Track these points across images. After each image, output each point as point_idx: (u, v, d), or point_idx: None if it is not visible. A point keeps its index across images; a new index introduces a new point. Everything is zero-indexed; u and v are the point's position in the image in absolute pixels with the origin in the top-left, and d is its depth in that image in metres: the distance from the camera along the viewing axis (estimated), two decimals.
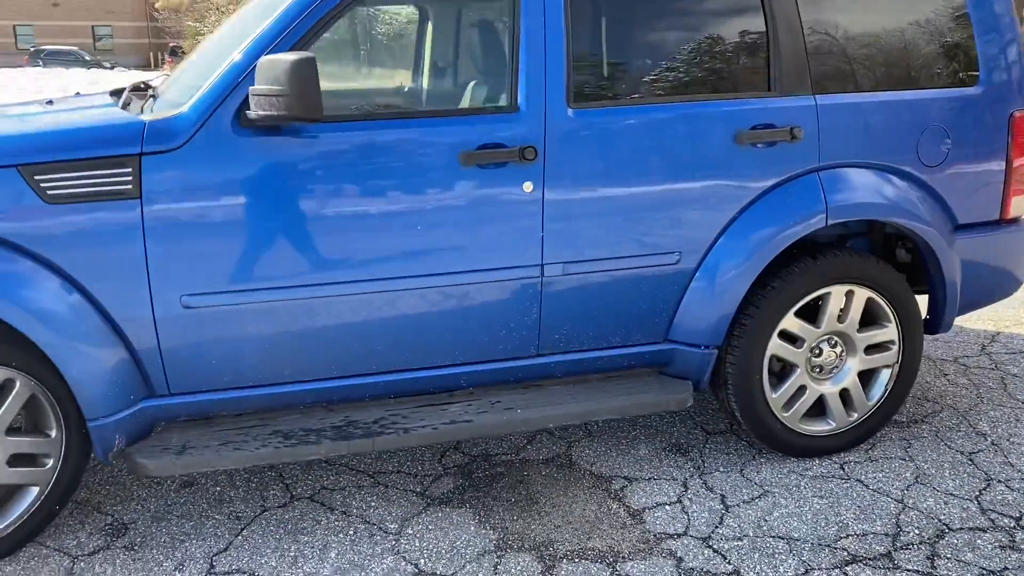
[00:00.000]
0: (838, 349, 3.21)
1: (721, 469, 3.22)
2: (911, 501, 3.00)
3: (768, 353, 3.10)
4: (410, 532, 2.83)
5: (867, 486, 3.09)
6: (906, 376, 3.29)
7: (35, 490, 2.62)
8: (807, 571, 2.63)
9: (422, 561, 2.68)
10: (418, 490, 3.08)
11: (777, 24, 2.96)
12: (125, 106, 2.81)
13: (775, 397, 3.16)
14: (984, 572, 2.62)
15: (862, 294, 3.15)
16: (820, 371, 3.21)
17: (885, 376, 3.29)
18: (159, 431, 2.73)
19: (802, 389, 3.20)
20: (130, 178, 2.46)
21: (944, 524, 2.87)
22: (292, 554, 2.71)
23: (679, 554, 2.72)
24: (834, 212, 3.01)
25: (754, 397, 3.13)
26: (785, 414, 3.19)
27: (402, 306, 2.74)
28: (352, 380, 2.80)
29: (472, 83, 3.03)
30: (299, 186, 2.57)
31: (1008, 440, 3.42)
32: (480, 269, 2.77)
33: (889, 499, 3.01)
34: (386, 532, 2.83)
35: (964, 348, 4.39)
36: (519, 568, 2.64)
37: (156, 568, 2.63)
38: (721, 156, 2.91)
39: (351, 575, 2.61)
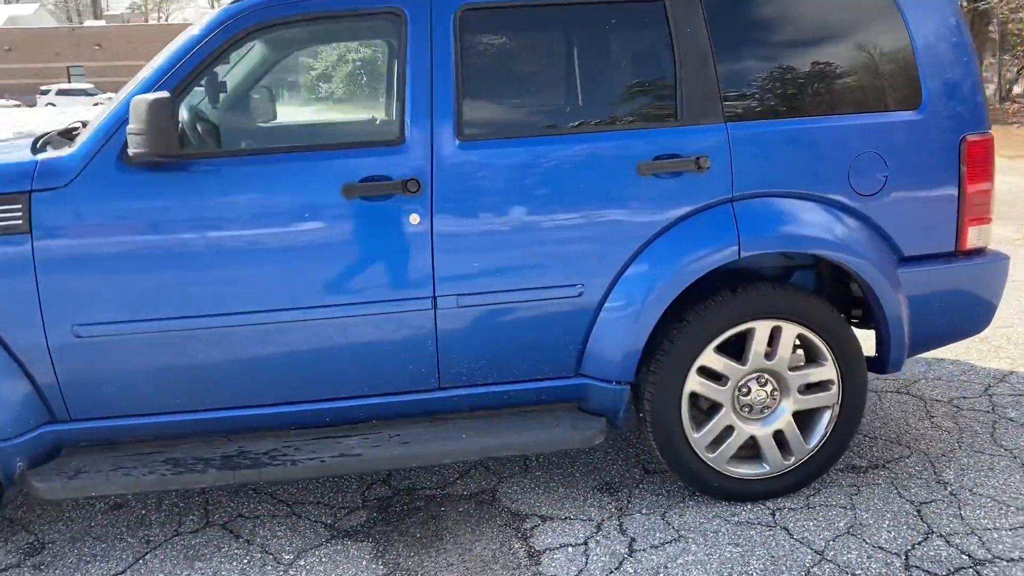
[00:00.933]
0: (769, 388, 3.05)
1: (644, 511, 3.10)
2: (831, 554, 2.80)
3: (687, 390, 2.97)
4: (302, 563, 2.84)
5: (791, 535, 2.91)
6: (849, 418, 3.09)
7: None
8: None
9: None
10: (328, 522, 3.09)
11: (684, 49, 2.87)
12: (40, 147, 2.97)
13: (698, 437, 3.02)
14: None
15: (791, 330, 2.98)
16: (750, 411, 3.05)
17: (826, 418, 3.09)
18: (64, 455, 2.84)
19: (729, 429, 3.04)
20: (20, 214, 2.60)
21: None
22: None
23: None
24: (748, 244, 2.87)
25: (673, 436, 3.00)
26: (710, 455, 3.04)
27: (292, 338, 2.77)
28: (248, 411, 2.85)
29: (363, 116, 3.05)
30: (181, 220, 2.65)
31: (970, 491, 3.15)
32: (369, 301, 2.77)
33: (809, 550, 2.82)
34: (279, 563, 2.85)
35: (966, 388, 4.08)
36: None
37: None
38: (622, 187, 2.83)
39: None
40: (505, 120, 2.90)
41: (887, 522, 2.97)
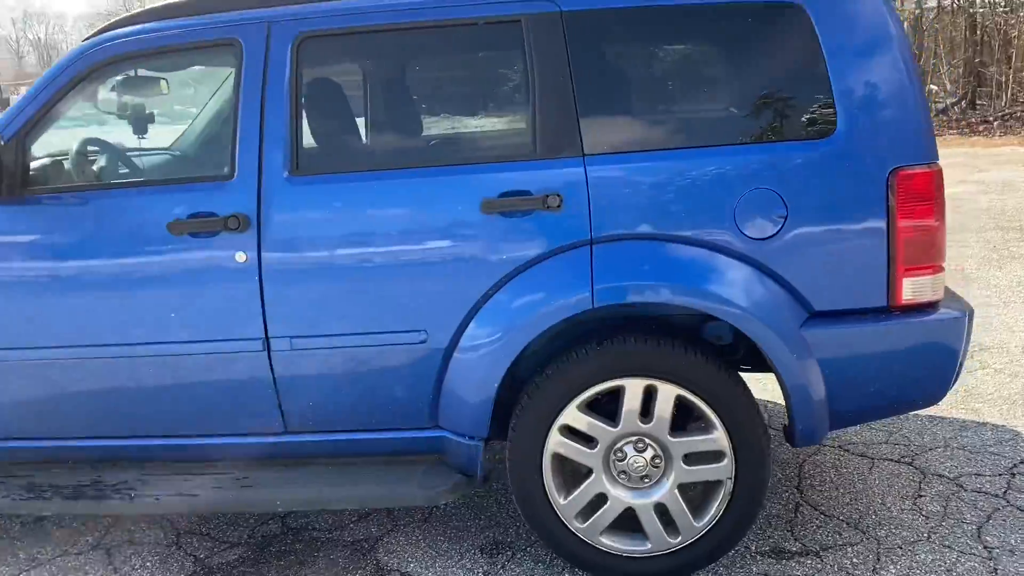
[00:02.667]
0: (649, 455, 2.68)
1: None
2: None
3: (548, 451, 2.67)
4: None
5: None
6: (747, 496, 2.65)
7: None
8: None
9: None
10: (201, 556, 3.07)
11: (540, 75, 2.58)
12: None
13: (564, 504, 2.71)
14: None
15: (668, 391, 2.60)
16: (628, 478, 2.70)
17: (720, 494, 2.67)
18: None
19: (602, 498, 2.71)
20: None
21: None
22: None
23: None
24: (604, 293, 2.53)
25: (535, 501, 2.72)
26: (579, 525, 2.72)
27: (132, 373, 2.77)
28: (104, 442, 2.88)
29: (200, 151, 2.99)
30: (19, 253, 2.72)
31: None
32: (201, 340, 2.71)
33: None
34: None
35: (988, 463, 3.41)
36: None
37: None
38: (464, 227, 2.59)
39: None
40: (342, 153, 2.75)
41: None
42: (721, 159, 2.53)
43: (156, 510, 2.76)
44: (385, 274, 2.62)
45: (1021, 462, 3.40)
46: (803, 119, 2.55)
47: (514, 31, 2.60)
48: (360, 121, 2.80)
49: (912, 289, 2.57)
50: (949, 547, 2.85)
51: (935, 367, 2.64)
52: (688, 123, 2.58)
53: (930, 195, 2.54)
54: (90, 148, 3.05)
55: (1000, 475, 3.31)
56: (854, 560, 2.81)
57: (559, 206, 2.54)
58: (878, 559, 2.81)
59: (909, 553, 2.83)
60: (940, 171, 2.56)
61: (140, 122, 3.34)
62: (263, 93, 2.63)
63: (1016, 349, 4.58)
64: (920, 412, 3.90)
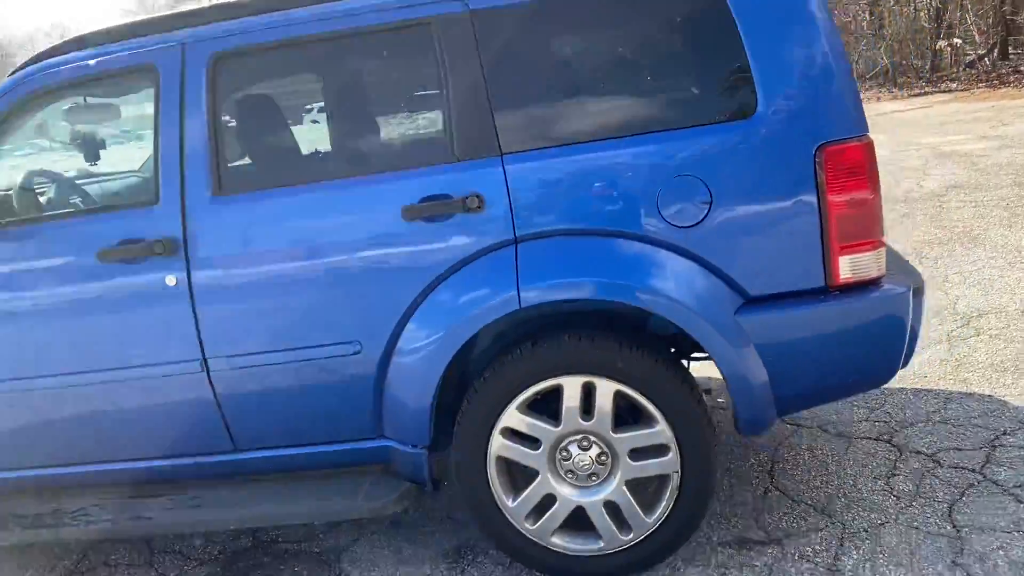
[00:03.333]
0: (594, 452, 2.64)
1: None
2: None
3: (492, 454, 2.65)
4: None
5: None
6: (696, 488, 2.60)
7: None
8: None
9: None
10: (172, 575, 3.10)
11: (454, 78, 2.54)
12: None
13: (513, 506, 2.68)
14: None
15: (607, 387, 2.56)
16: (575, 477, 2.66)
17: (669, 488, 2.63)
18: None
19: (551, 498, 2.67)
20: None
21: None
22: None
23: None
24: (530, 292, 2.49)
25: (484, 505, 2.70)
26: (530, 527, 2.69)
27: (78, 402, 2.80)
28: (61, 470, 2.92)
29: (128, 177, 3.01)
30: None
31: None
32: (143, 365, 2.73)
33: None
34: None
35: (969, 437, 3.30)
36: None
37: None
38: (388, 235, 2.56)
39: None
40: (264, 170, 2.74)
41: None
42: (640, 148, 2.47)
43: (113, 535, 2.80)
44: (312, 288, 2.61)
45: (1004, 433, 3.29)
46: (722, 101, 2.49)
47: (425, 34, 2.56)
48: (280, 137, 2.79)
49: (850, 267, 2.49)
50: (917, 528, 2.77)
51: (881, 346, 2.55)
52: (605, 114, 2.52)
53: (861, 168, 2.45)
54: (36, 180, 3.09)
55: (980, 448, 3.20)
56: (816, 547, 2.74)
57: (479, 207, 2.51)
58: (841, 544, 2.74)
59: (874, 537, 2.75)
60: (871, 143, 2.47)
61: (91, 148, 3.37)
62: (181, 116, 2.63)
63: (1015, 312, 4.43)
64: (906, 385, 3.79)
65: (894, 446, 3.29)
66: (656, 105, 2.53)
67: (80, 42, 2.78)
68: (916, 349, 2.69)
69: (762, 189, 2.47)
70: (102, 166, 3.38)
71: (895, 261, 2.98)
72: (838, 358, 2.55)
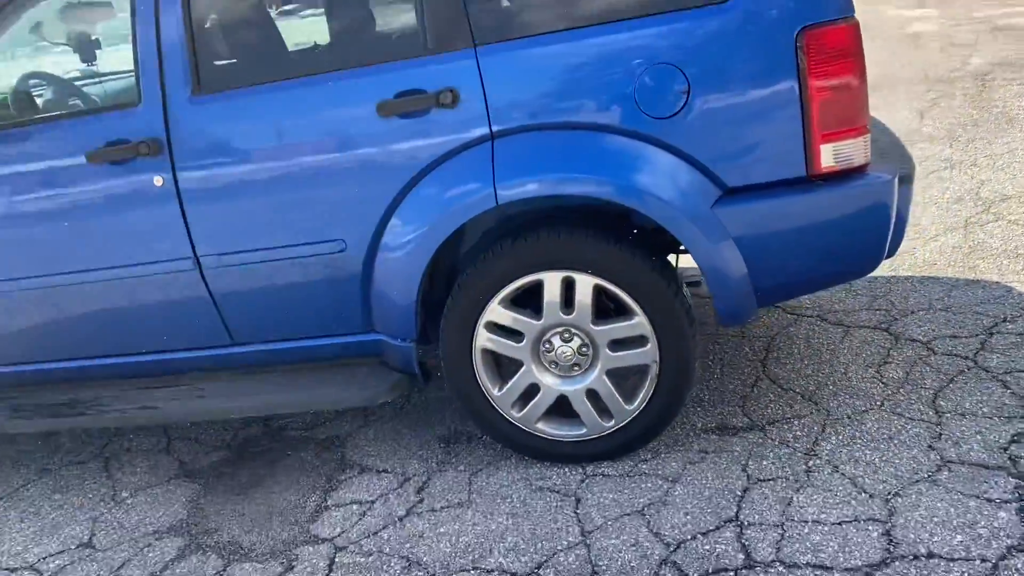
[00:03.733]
0: (576, 344, 2.69)
1: (462, 468, 2.93)
2: (594, 538, 2.47)
3: (477, 347, 2.72)
4: (129, 503, 3.07)
5: (577, 508, 2.61)
6: (675, 376, 2.65)
7: None
8: None
9: (95, 536, 2.91)
10: (186, 460, 3.29)
11: None
12: None
13: (499, 395, 2.77)
14: None
15: (586, 281, 2.59)
16: (558, 368, 2.73)
17: (649, 377, 2.68)
18: None
19: (535, 388, 2.75)
20: None
21: (594, 567, 2.35)
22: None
23: (298, 555, 2.61)
24: (506, 189, 2.50)
25: (471, 395, 2.79)
26: (516, 414, 2.78)
27: (84, 300, 2.91)
28: (75, 363, 3.08)
29: (112, 80, 3.01)
30: None
31: (832, 470, 2.59)
32: (142, 263, 2.82)
33: (576, 529, 2.52)
34: (113, 500, 3.09)
35: (968, 323, 3.27)
36: (163, 548, 2.76)
37: None
38: (366, 131, 2.57)
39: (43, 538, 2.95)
40: (241, 68, 2.73)
41: (695, 503, 2.55)
42: (615, 36, 2.41)
43: (123, 423, 2.95)
44: (293, 188, 2.64)
45: (1004, 320, 3.25)
46: None
47: None
48: (259, 33, 2.77)
49: (832, 155, 2.44)
50: (899, 414, 2.80)
51: (864, 236, 2.52)
52: (580, 2, 2.45)
53: (846, 52, 2.37)
54: (33, 82, 3.13)
55: (976, 335, 3.18)
56: (797, 433, 2.79)
57: (453, 102, 2.49)
58: (822, 430, 2.78)
59: (856, 423, 2.79)
60: (856, 25, 2.38)
61: (87, 48, 3.39)
62: (157, 14, 2.63)
63: None
64: (913, 273, 3.76)
65: (891, 334, 3.29)
66: None
67: None
68: (905, 235, 2.65)
69: (742, 76, 2.40)
70: (100, 66, 3.41)
71: (891, 146, 2.91)
72: (819, 249, 2.52)
